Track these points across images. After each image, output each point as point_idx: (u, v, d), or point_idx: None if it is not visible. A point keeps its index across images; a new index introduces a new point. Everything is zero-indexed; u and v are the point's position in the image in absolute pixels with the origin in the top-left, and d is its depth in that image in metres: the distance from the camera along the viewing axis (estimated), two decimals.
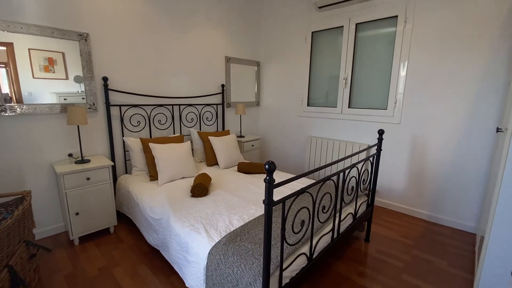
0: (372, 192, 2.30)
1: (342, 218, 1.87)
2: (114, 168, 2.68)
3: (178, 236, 1.71)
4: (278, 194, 2.14)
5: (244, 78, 4.01)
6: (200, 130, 3.42)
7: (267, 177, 1.10)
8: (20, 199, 1.75)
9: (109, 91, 2.57)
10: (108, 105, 2.54)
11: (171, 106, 3.07)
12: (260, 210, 1.92)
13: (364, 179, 2.15)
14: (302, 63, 3.64)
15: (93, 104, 2.49)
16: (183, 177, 2.60)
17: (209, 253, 1.47)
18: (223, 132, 3.33)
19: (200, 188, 2.16)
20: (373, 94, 3.06)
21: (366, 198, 2.30)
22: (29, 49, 2.13)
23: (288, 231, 1.57)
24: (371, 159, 2.15)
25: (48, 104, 2.23)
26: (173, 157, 2.56)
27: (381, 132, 2.17)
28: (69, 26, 2.28)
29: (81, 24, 2.35)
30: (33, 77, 2.19)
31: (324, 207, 1.61)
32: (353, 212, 2.03)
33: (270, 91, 4.13)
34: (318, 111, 3.54)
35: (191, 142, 3.09)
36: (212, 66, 3.49)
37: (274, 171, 1.11)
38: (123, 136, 2.71)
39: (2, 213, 1.60)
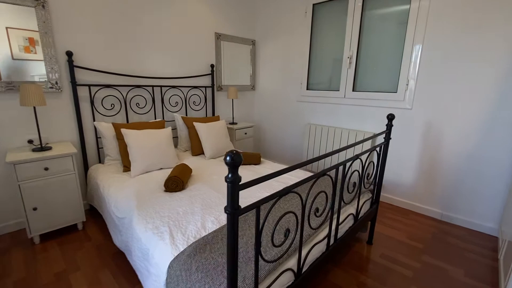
0: (377, 187, 1.97)
1: (340, 221, 1.54)
2: (84, 157, 2.37)
3: (139, 241, 1.41)
4: (268, 189, 1.84)
5: (238, 58, 3.62)
6: (186, 115, 3.08)
7: (229, 175, 0.77)
8: None
9: (75, 68, 2.22)
10: (74, 84, 2.20)
11: (151, 87, 2.72)
12: None
13: (368, 173, 1.81)
14: (302, 41, 3.23)
15: (56, 83, 2.15)
16: (161, 168, 2.29)
17: (169, 266, 1.17)
18: (212, 118, 2.99)
19: (175, 182, 1.85)
20: (381, 75, 2.67)
21: (371, 195, 1.96)
22: (6, 28, 1.86)
23: (266, 244, 1.25)
24: (377, 149, 1.80)
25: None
26: (149, 145, 2.23)
27: (390, 117, 1.81)
28: None
29: None
30: (13, 59, 1.92)
31: (317, 210, 1.28)
32: (354, 212, 1.70)
33: (267, 74, 3.75)
34: (319, 95, 3.16)
35: (176, 129, 2.77)
36: (200, 43, 3.10)
37: (239, 165, 0.78)
38: (94, 120, 2.39)
39: None
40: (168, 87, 2.85)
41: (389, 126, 1.83)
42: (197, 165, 2.43)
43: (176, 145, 2.99)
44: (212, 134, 2.71)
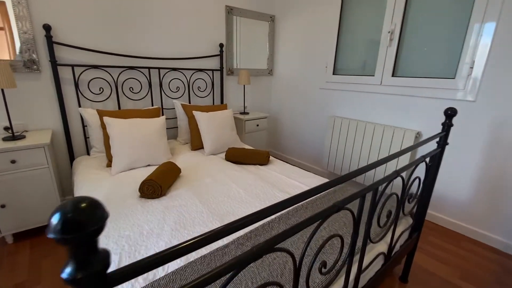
0: (422, 211, 1.42)
1: (364, 265, 1.05)
2: (70, 147, 2.11)
3: None
4: (267, 199, 1.37)
5: (253, 37, 3.12)
6: (190, 103, 2.70)
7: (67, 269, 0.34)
8: None
9: (55, 45, 1.92)
10: (54, 64, 1.90)
11: (147, 69, 2.36)
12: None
13: (411, 194, 1.28)
14: (330, 15, 2.63)
15: (33, 62, 1.87)
16: (148, 165, 1.95)
17: None
18: (217, 106, 2.57)
19: (151, 187, 1.48)
20: (433, 56, 2.01)
21: (411, 221, 1.43)
22: None
23: None
24: (427, 159, 1.24)
25: None
26: (136, 137, 1.89)
27: (450, 113, 1.23)
28: None
29: None
30: None
31: (324, 265, 0.81)
32: (385, 250, 1.20)
33: (287, 56, 3.20)
34: (347, 81, 2.57)
35: (176, 118, 2.40)
36: (207, 18, 2.66)
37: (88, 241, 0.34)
38: (79, 106, 2.10)
39: None
40: (168, 70, 2.47)
41: (447, 126, 1.25)
42: (192, 162, 2.05)
43: (175, 137, 2.64)
44: (214, 126, 2.30)
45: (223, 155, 2.26)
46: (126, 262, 1.01)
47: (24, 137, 1.79)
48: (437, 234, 2.00)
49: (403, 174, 1.64)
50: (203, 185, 1.66)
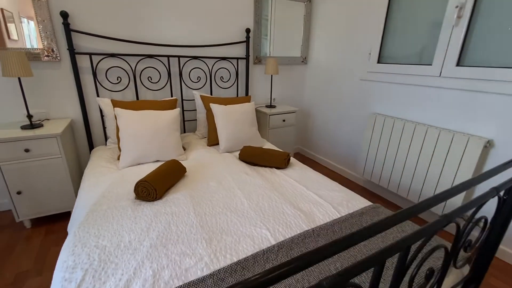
0: (485, 260, 1.01)
1: None
2: (89, 136, 2.11)
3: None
4: (269, 219, 1.07)
5: (286, 21, 2.78)
6: (211, 94, 2.52)
7: None
8: None
9: (73, 33, 1.88)
10: (72, 52, 1.88)
11: (166, 58, 2.23)
12: (215, 262, 0.97)
13: (470, 242, 0.89)
14: None
15: (52, 51, 1.86)
16: (157, 161, 1.83)
17: None
18: (238, 98, 2.34)
19: (145, 189, 1.34)
20: None
21: (466, 273, 1.03)
22: None
23: None
24: (501, 192, 0.84)
25: None
26: (144, 130, 1.78)
27: None
28: None
29: None
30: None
31: None
32: None
33: (324, 41, 2.79)
34: (395, 71, 2.10)
35: (192, 110, 2.26)
36: (232, 0, 2.40)
37: None
38: (97, 95, 2.07)
39: None
40: (189, 58, 2.31)
41: None
42: (203, 160, 1.88)
43: (194, 130, 2.51)
44: (231, 120, 2.08)
45: (238, 153, 2.04)
46: (87, 283, 0.86)
47: (41, 126, 1.82)
48: (508, 276, 1.51)
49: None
50: (205, 190, 1.46)
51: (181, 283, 0.86)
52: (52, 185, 1.79)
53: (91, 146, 2.15)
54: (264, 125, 2.60)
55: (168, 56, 2.19)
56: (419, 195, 1.96)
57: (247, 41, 2.51)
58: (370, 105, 2.38)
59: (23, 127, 1.75)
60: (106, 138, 2.19)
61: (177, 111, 1.95)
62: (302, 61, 3.02)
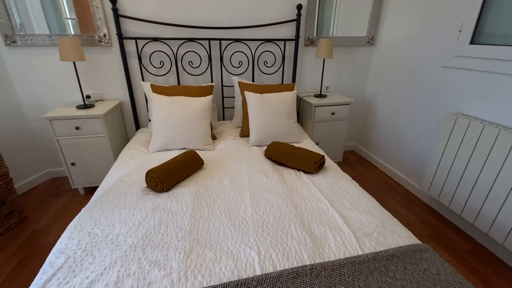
0: None
1: None
2: (136, 118, 2.25)
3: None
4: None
5: None
6: (253, 80, 2.33)
7: None
8: None
9: (120, 18, 1.96)
10: (120, 37, 1.97)
11: (207, 41, 2.13)
12: (182, 282, 0.85)
13: None
14: None
15: (104, 36, 2.00)
16: (184, 148, 1.81)
17: None
18: (279, 86, 2.10)
19: (153, 179, 1.31)
20: None
21: None
22: None
23: None
24: None
25: (44, 34, 1.92)
26: (173, 116, 1.76)
27: None
28: None
29: None
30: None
31: None
32: None
33: (400, 17, 2.21)
34: (497, 55, 1.47)
35: (233, 97, 2.14)
36: None
37: None
38: (142, 79, 2.16)
39: None
40: (230, 41, 2.17)
41: None
42: (228, 153, 1.76)
43: (231, 118, 2.40)
44: (265, 111, 1.88)
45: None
46: (61, 273, 0.87)
47: (93, 106, 2.01)
48: None
49: None
50: (215, 188, 1.35)
51: None
52: (99, 160, 1.99)
53: (137, 127, 2.30)
54: (309, 117, 2.29)
55: (209, 39, 2.09)
56: (507, 233, 1.38)
57: (297, 19, 2.19)
58: (451, 101, 1.78)
59: (78, 107, 1.97)
60: (149, 120, 2.30)
61: (208, 98, 1.85)
62: (368, 42, 2.49)
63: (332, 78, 2.58)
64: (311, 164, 1.50)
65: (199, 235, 1.03)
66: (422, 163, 2.06)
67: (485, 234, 1.59)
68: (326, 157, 1.72)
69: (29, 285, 1.12)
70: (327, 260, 0.91)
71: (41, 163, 2.27)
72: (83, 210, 1.19)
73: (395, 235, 1.04)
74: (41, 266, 1.18)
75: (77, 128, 1.85)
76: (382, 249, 0.96)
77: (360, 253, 0.94)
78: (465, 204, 1.60)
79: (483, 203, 1.50)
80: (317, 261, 0.90)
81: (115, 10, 1.90)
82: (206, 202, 1.23)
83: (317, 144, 2.34)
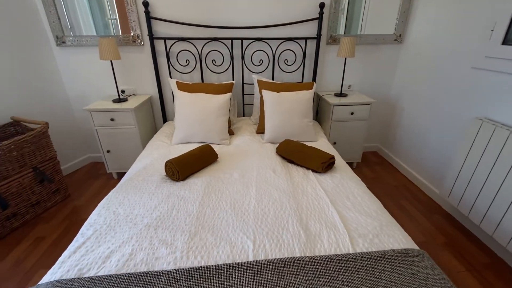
0: None
1: None
2: (163, 112, 2.45)
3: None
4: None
5: None
6: (273, 79, 2.39)
7: None
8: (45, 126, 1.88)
9: (152, 20, 2.14)
10: (151, 37, 2.15)
11: (229, 41, 2.23)
12: (184, 260, 0.97)
13: None
14: None
15: (137, 37, 2.20)
16: (202, 142, 1.94)
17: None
18: (296, 85, 2.13)
19: (170, 169, 1.46)
20: None
21: None
22: None
23: None
24: None
25: (89, 35, 2.17)
26: (193, 112, 1.91)
27: None
28: None
29: None
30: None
31: None
32: None
33: (430, 14, 2.09)
34: None
35: (252, 94, 2.23)
36: None
37: None
38: (170, 76, 2.34)
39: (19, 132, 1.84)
40: (252, 40, 2.24)
41: None
42: (243, 148, 1.86)
43: (250, 115, 2.49)
44: (281, 109, 1.94)
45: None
46: (90, 241, 1.04)
47: (126, 100, 2.23)
48: None
49: None
50: (225, 181, 1.46)
51: (144, 270, 0.91)
52: (130, 149, 2.21)
53: (165, 119, 2.50)
54: (327, 116, 2.29)
55: (232, 39, 2.19)
56: None
57: (320, 18, 2.18)
58: (479, 104, 1.67)
59: (114, 101, 2.20)
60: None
61: (226, 96, 1.96)
62: (395, 40, 2.39)
63: (356, 77, 2.53)
64: (319, 164, 1.54)
65: (204, 221, 1.14)
66: (444, 168, 1.96)
67: (503, 248, 1.49)
68: (338, 157, 1.74)
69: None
70: (315, 254, 0.97)
71: (84, 149, 2.59)
72: (111, 192, 1.38)
73: (391, 238, 1.06)
74: None
75: (112, 119, 2.09)
76: (374, 250, 0.99)
77: (349, 251, 0.98)
78: (485, 215, 1.52)
79: (504, 215, 1.41)
80: (307, 255, 0.97)
81: (147, 13, 2.08)
82: (215, 192, 1.35)
83: (334, 143, 2.35)
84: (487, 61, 1.60)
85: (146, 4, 2.05)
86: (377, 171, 2.52)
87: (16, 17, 1.95)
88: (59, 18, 2.10)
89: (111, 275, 0.87)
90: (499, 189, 1.44)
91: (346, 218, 1.17)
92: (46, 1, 2.04)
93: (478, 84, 1.67)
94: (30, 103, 2.10)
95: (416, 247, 1.04)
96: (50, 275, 0.92)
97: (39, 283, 0.89)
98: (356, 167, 2.56)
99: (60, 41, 2.16)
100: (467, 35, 1.74)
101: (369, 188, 2.21)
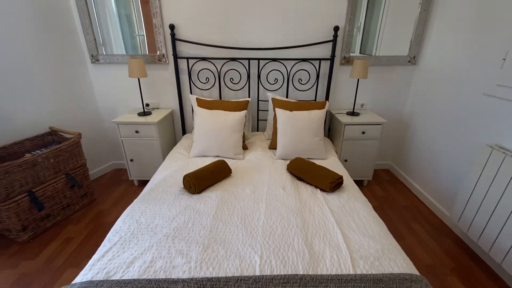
0: None
1: None
2: (183, 124, 2.62)
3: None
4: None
5: (394, 11, 2.30)
6: (287, 96, 2.50)
7: None
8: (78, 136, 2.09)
9: (176, 42, 2.33)
10: (175, 57, 2.34)
11: (246, 60, 2.37)
12: (197, 270, 1.08)
13: None
14: None
15: (163, 56, 2.39)
16: (217, 156, 2.07)
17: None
18: (309, 103, 2.22)
19: (188, 182, 1.59)
20: None
21: None
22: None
23: None
24: None
25: (120, 54, 2.39)
26: (210, 128, 2.04)
27: None
28: None
29: None
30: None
31: None
32: None
33: (445, 37, 2.13)
34: None
35: (267, 110, 2.35)
36: None
37: None
38: (191, 92, 2.50)
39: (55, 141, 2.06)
40: (268, 60, 2.37)
41: None
42: (256, 163, 1.97)
43: (264, 130, 2.60)
44: (292, 128, 2.03)
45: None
46: (116, 247, 1.17)
47: (150, 113, 2.42)
48: None
49: None
50: (237, 195, 1.56)
51: (163, 277, 1.02)
52: (151, 159, 2.38)
53: (184, 132, 2.66)
54: (339, 134, 2.36)
55: (249, 59, 2.33)
56: None
57: (334, 40, 2.28)
58: (491, 131, 1.68)
59: (139, 114, 2.39)
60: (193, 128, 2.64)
61: (241, 114, 2.09)
62: (409, 61, 2.43)
63: (369, 96, 2.59)
64: (327, 183, 1.61)
65: (217, 235, 1.25)
66: (456, 191, 1.96)
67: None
68: (347, 176, 1.80)
69: (93, 251, 1.49)
70: (317, 273, 1.04)
71: (109, 156, 2.80)
72: (135, 201, 1.53)
73: (391, 262, 1.11)
74: (102, 238, 1.56)
75: (136, 131, 2.27)
76: (373, 273, 1.05)
77: (349, 272, 1.05)
78: (494, 242, 1.52)
79: None
80: (310, 273, 1.04)
81: (172, 35, 2.26)
82: (227, 207, 1.46)
83: (345, 161, 2.41)
84: (499, 89, 1.62)
85: (172, 27, 2.24)
86: (388, 190, 2.54)
87: (60, 38, 2.20)
88: (94, 39, 2.33)
89: (134, 279, 1.00)
90: (508, 218, 1.44)
91: (350, 239, 1.23)
92: (85, 23, 2.28)
93: (490, 111, 1.69)
94: (66, 114, 2.33)
95: (416, 272, 1.08)
96: (82, 276, 1.05)
97: (73, 282, 1.02)
98: (367, 185, 2.59)
99: (95, 59, 2.39)
100: (480, 61, 1.77)
101: (379, 207, 2.26)
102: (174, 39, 2.28)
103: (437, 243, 1.89)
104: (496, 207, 1.51)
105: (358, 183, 2.54)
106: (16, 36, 1.92)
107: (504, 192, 1.47)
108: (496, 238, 1.51)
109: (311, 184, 1.71)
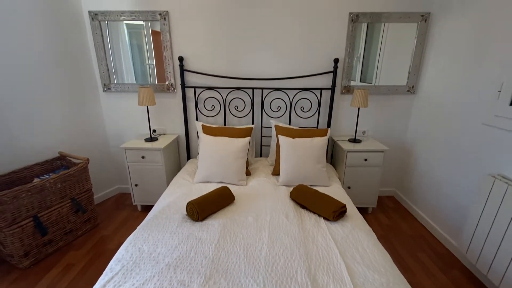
0: None
1: None
2: (188, 149, 2.68)
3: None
4: None
5: (391, 44, 2.42)
6: (290, 123, 2.57)
7: None
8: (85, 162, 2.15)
9: (185, 72, 2.46)
10: (183, 86, 2.46)
11: (251, 90, 2.48)
12: None
13: None
14: None
15: (172, 85, 2.51)
16: (221, 182, 2.09)
17: None
18: (312, 131, 2.28)
19: (191, 209, 1.60)
20: None
21: None
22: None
23: None
24: None
25: (130, 83, 2.52)
26: (214, 154, 2.09)
27: None
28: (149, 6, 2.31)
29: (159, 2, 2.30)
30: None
31: None
32: None
33: (440, 69, 2.23)
34: None
35: (270, 137, 2.40)
36: (319, 32, 2.36)
37: None
38: (197, 119, 2.59)
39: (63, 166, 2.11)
40: (271, 90, 2.47)
41: None
42: (259, 190, 1.98)
43: (267, 155, 2.64)
44: (295, 155, 2.07)
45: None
46: (118, 277, 1.17)
47: (157, 139, 2.49)
48: None
49: None
50: (240, 224, 1.56)
51: None
52: (155, 184, 2.41)
53: (188, 157, 2.71)
54: (341, 161, 2.38)
55: (253, 88, 2.44)
56: None
57: (334, 71, 2.39)
58: (490, 161, 1.70)
59: (146, 139, 2.46)
60: (198, 153, 2.70)
61: (246, 140, 2.14)
62: (408, 91, 2.51)
63: (370, 123, 2.64)
64: (330, 212, 1.61)
65: (219, 265, 1.24)
66: (462, 221, 1.93)
67: None
68: (351, 205, 1.80)
69: (93, 278, 1.47)
70: None
71: (115, 181, 2.84)
72: (138, 228, 1.54)
73: None
74: (104, 265, 1.54)
75: (142, 157, 2.33)
76: None
77: None
78: (504, 276, 1.47)
79: None
80: None
81: (181, 66, 2.40)
82: (230, 235, 1.46)
83: (348, 187, 2.40)
84: (497, 120, 1.66)
85: (181, 59, 2.38)
86: (393, 218, 2.50)
87: (76, 70, 2.34)
88: (108, 69, 2.48)
89: None
90: None
91: (354, 271, 1.21)
92: (100, 55, 2.44)
93: (489, 140, 1.72)
94: (75, 139, 2.41)
95: None
96: None
97: None
98: (372, 213, 2.56)
99: (106, 87, 2.52)
100: (476, 92, 1.83)
101: (384, 236, 2.22)
102: (182, 70, 2.41)
103: (445, 274, 1.82)
104: (503, 237, 1.49)
105: (363, 210, 2.52)
106: (34, 70, 2.06)
107: (510, 222, 1.45)
108: (505, 271, 1.47)
109: (314, 212, 1.70)
